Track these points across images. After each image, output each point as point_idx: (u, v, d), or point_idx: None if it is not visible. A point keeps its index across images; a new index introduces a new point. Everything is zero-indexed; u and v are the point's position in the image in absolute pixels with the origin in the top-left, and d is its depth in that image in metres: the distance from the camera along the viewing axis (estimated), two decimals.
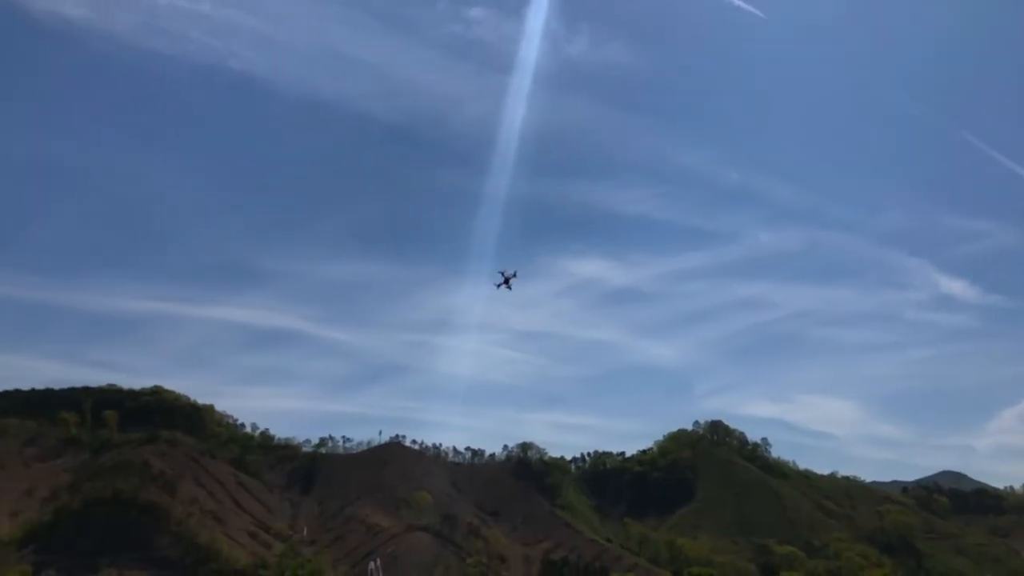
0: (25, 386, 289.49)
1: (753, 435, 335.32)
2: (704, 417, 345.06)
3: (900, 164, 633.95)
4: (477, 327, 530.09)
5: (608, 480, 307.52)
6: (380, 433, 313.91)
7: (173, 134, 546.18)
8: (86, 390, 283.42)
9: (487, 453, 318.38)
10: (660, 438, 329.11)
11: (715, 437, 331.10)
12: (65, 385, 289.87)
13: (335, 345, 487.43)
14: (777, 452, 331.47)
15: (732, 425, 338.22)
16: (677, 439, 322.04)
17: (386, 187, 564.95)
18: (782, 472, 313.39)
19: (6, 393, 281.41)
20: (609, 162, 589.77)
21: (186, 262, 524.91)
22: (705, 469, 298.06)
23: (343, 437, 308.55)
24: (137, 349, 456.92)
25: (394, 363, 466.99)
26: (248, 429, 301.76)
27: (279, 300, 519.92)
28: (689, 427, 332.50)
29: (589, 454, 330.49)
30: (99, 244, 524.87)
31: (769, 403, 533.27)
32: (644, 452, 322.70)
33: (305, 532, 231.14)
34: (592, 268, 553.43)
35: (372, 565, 51.62)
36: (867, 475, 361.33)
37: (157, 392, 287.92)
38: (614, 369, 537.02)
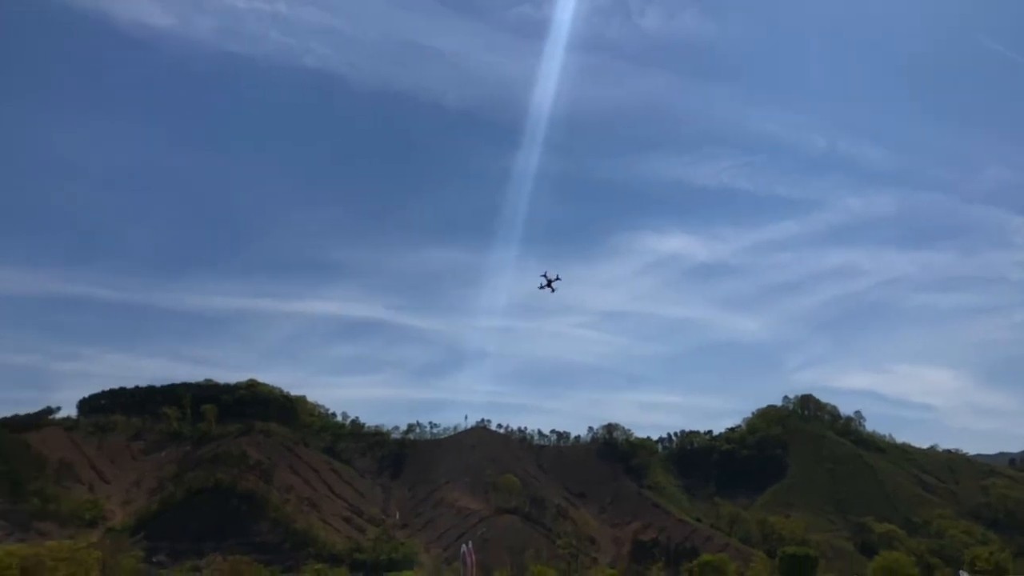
0: (130, 384, 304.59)
1: (846, 409, 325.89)
2: (794, 392, 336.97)
3: (999, 117, 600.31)
4: (558, 310, 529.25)
5: (696, 459, 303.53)
6: (466, 418, 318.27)
7: (254, 134, 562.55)
8: (185, 386, 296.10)
9: (572, 435, 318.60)
10: (749, 415, 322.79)
11: (806, 412, 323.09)
12: (166, 382, 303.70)
13: (418, 333, 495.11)
14: (872, 426, 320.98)
15: (824, 399, 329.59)
16: (766, 415, 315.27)
17: (462, 174, 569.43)
18: (878, 446, 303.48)
19: (113, 391, 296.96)
20: (688, 135, 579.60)
21: (274, 259, 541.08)
22: (796, 445, 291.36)
23: (430, 423, 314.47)
24: (231, 345, 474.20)
25: (477, 349, 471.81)
26: (339, 418, 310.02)
27: (363, 291, 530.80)
28: (779, 403, 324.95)
29: (676, 433, 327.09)
30: (192, 246, 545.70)
31: (863, 375, 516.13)
32: (732, 430, 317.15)
33: (397, 516, 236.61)
34: (674, 244, 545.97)
35: (464, 548, 52.63)
36: (970, 448, 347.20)
37: (252, 385, 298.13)
38: (699, 346, 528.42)
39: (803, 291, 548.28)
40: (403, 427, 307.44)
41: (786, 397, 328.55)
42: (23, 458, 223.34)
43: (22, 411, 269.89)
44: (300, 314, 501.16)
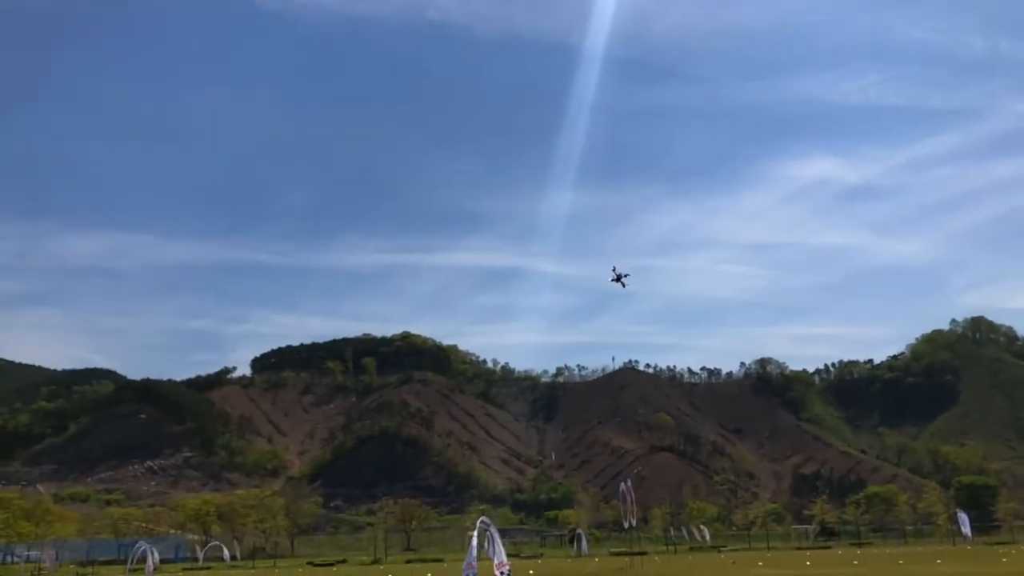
0: (296, 342, 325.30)
1: (1023, 330, 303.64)
2: (962, 314, 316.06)
3: None
4: (702, 245, 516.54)
5: (857, 390, 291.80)
6: (613, 359, 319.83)
7: (387, 93, 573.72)
8: (345, 341, 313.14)
9: (724, 372, 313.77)
10: (913, 341, 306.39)
11: (977, 335, 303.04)
12: (328, 338, 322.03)
13: (561, 278, 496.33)
14: None
15: (996, 320, 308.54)
16: (932, 340, 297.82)
17: (594, 114, 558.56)
18: None
19: (281, 350, 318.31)
20: (827, 52, 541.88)
21: (418, 214, 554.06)
22: (968, 370, 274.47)
23: (578, 365, 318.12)
24: (385, 299, 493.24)
25: (620, 290, 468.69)
26: (489, 364, 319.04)
27: (503, 240, 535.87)
28: (945, 327, 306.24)
29: (834, 364, 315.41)
30: (341, 207, 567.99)
31: None
32: (895, 358, 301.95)
33: (553, 457, 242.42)
34: (819, 168, 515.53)
35: (623, 485, 53.51)
36: None
37: (406, 337, 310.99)
38: (854, 273, 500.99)
39: (965, 207, 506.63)
40: (552, 371, 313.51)
41: (953, 320, 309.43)
42: (209, 415, 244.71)
43: (203, 372, 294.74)
44: (446, 266, 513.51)
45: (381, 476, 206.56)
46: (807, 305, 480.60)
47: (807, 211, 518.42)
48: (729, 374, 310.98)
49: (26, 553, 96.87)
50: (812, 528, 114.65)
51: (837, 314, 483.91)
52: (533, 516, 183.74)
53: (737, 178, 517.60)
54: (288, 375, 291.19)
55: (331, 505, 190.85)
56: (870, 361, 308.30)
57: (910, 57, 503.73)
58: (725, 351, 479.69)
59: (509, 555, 25.44)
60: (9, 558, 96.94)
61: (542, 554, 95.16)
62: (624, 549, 76.26)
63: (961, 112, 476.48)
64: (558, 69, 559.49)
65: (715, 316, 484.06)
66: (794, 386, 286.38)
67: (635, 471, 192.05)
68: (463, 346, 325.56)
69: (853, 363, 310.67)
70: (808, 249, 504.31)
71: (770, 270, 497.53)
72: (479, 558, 21.37)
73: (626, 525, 55.15)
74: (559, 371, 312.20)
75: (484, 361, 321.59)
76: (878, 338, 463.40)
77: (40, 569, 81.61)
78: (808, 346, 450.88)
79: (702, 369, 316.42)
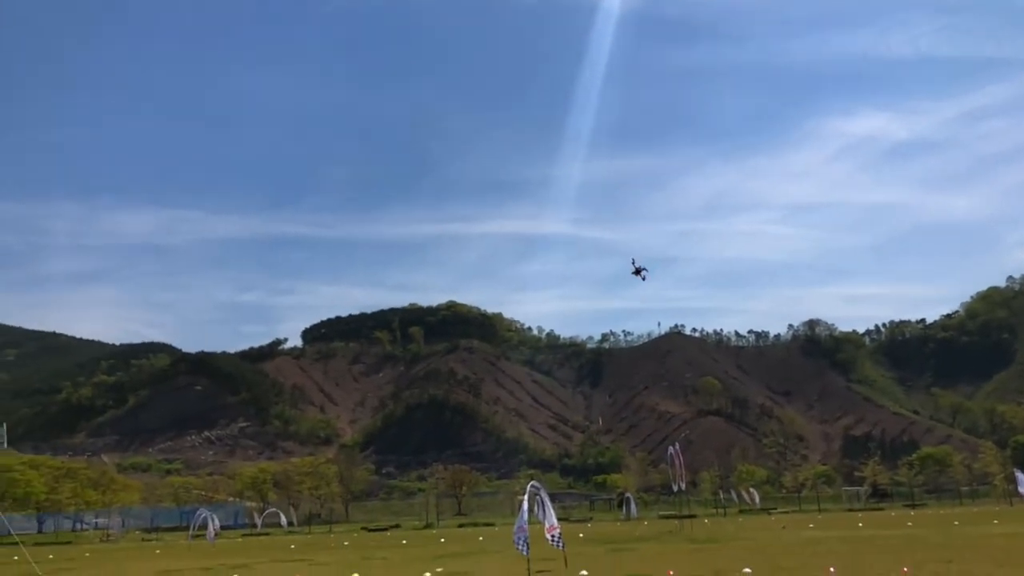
0: (344, 313, 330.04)
1: None
2: (1018, 271, 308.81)
3: None
4: (747, 207, 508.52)
5: (908, 350, 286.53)
6: (659, 325, 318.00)
7: (424, 64, 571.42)
8: (392, 311, 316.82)
9: (772, 335, 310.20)
10: (967, 300, 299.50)
11: None
12: (375, 308, 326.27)
13: (603, 244, 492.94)
14: None
15: None
16: (988, 298, 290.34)
17: (634, 76, 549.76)
18: None
19: (330, 321, 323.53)
20: (875, 3, 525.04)
21: (460, 184, 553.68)
22: None
23: (623, 331, 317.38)
24: (429, 269, 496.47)
25: (663, 255, 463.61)
26: (535, 332, 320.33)
27: (545, 208, 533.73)
28: (1001, 284, 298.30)
29: (884, 325, 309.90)
30: (383, 179, 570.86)
31: None
32: (949, 316, 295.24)
33: (600, 423, 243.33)
34: (866, 124, 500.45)
35: (671, 449, 53.67)
36: None
37: (452, 306, 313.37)
38: (904, 231, 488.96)
39: (1021, 160, 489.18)
40: (597, 337, 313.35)
41: (1010, 277, 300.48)
42: (262, 386, 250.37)
43: (255, 344, 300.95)
44: (489, 235, 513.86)
45: (431, 443, 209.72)
46: (856, 265, 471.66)
47: (855, 169, 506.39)
48: (777, 337, 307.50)
49: (94, 520, 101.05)
50: (864, 490, 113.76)
51: (887, 274, 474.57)
52: (581, 481, 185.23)
53: (782, 137, 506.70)
54: (338, 345, 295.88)
55: (383, 472, 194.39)
56: (922, 321, 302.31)
57: (962, 5, 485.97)
58: (772, 314, 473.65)
59: (559, 519, 26.02)
60: (79, 525, 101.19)
61: (591, 518, 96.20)
62: (673, 512, 76.83)
63: (1016, 61, 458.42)
64: (597, 31, 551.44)
65: (762, 278, 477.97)
66: (844, 348, 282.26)
67: (683, 435, 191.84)
68: (508, 314, 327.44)
69: (905, 323, 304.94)
70: (856, 208, 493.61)
71: (817, 230, 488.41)
72: (529, 522, 21.92)
73: (675, 489, 55.61)
74: (604, 337, 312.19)
75: (529, 328, 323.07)
76: (930, 297, 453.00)
77: (108, 535, 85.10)
78: (857, 307, 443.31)
79: (749, 332, 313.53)
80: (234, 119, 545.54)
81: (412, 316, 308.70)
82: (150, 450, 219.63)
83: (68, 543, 76.86)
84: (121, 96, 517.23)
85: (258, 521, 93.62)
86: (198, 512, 64.15)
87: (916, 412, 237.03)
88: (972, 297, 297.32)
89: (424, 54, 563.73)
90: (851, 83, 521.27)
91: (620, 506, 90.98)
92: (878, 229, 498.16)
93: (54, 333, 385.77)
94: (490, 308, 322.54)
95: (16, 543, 50.50)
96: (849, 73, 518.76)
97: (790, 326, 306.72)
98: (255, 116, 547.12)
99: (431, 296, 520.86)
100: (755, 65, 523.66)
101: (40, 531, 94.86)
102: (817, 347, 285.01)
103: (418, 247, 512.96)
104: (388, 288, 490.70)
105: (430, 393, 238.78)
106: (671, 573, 20.53)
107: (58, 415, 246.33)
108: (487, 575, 22.49)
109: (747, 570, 20.37)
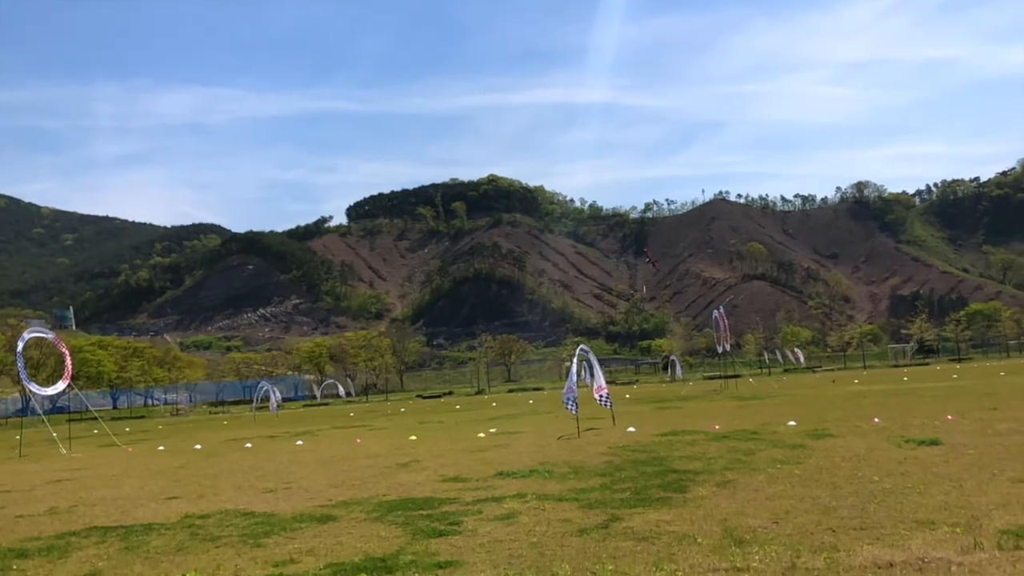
0: (386, 190, 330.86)
1: None
2: None
3: None
4: (796, 67, 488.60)
5: (961, 209, 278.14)
6: (703, 192, 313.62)
7: None
8: (434, 186, 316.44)
9: (819, 198, 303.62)
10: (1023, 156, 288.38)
11: None
12: (417, 184, 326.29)
13: (646, 111, 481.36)
14: None
15: None
16: None
17: None
18: None
19: (373, 197, 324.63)
20: None
21: (496, 52, 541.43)
22: None
23: (667, 200, 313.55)
24: (469, 143, 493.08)
25: (709, 120, 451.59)
26: (577, 203, 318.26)
27: (587, 75, 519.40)
28: None
29: (936, 184, 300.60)
30: (418, 50, 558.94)
31: None
32: (1004, 174, 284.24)
33: (644, 290, 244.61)
34: None
35: (716, 313, 54.08)
36: None
37: (493, 180, 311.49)
38: (958, 87, 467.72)
39: None
40: (640, 207, 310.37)
41: None
42: (312, 263, 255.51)
43: (301, 223, 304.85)
44: (528, 105, 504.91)
45: (478, 315, 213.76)
46: (907, 124, 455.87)
47: (909, 23, 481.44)
48: (824, 200, 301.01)
49: (163, 396, 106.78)
50: (910, 346, 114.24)
51: (940, 132, 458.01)
52: (627, 347, 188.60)
53: None
54: (382, 222, 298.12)
55: (434, 344, 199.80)
56: (976, 179, 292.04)
57: None
58: (820, 177, 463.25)
59: (606, 381, 26.93)
60: (150, 401, 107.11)
61: (637, 380, 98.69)
62: (718, 373, 78.38)
63: None
64: None
65: (809, 142, 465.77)
66: (893, 208, 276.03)
67: (728, 300, 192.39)
68: (549, 187, 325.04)
69: (957, 182, 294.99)
70: (910, 64, 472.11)
71: (869, 90, 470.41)
72: (578, 385, 22.78)
73: (719, 350, 56.62)
74: (647, 206, 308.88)
75: (571, 200, 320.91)
76: (984, 155, 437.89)
77: (177, 410, 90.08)
78: (908, 166, 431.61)
79: (796, 196, 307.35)
80: None
81: (454, 191, 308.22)
82: (209, 328, 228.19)
83: (142, 417, 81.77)
84: None
85: (317, 392, 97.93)
86: (260, 385, 67.19)
87: (966, 270, 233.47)
88: None
89: None
90: None
91: (665, 369, 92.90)
92: (931, 86, 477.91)
93: (108, 217, 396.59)
94: (531, 181, 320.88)
95: (95, 418, 54.01)
96: None
97: (837, 189, 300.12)
98: None
99: (471, 171, 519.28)
100: None
101: (115, 407, 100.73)
102: (865, 209, 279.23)
103: (456, 120, 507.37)
104: (428, 163, 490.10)
105: (476, 267, 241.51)
106: (717, 427, 21.34)
107: (119, 297, 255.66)
108: (538, 434, 23.61)
109: (792, 423, 21.06)
